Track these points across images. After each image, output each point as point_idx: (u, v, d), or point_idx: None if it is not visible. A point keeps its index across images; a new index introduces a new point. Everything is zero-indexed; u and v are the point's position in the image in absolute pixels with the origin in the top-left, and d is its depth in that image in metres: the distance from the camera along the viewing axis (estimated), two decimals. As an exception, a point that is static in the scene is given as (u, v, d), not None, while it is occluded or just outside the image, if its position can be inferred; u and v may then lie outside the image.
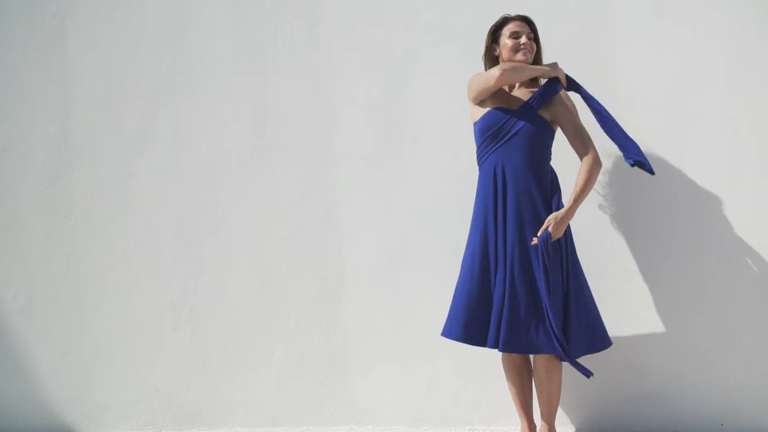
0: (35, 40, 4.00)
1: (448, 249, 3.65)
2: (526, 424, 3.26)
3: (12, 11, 4.01)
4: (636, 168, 3.17)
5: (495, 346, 3.07)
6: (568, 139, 3.16)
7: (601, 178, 3.45)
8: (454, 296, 3.20)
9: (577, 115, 3.15)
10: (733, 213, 3.43)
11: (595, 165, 3.08)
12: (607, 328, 3.19)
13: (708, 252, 3.45)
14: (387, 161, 3.74)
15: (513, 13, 3.24)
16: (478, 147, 3.20)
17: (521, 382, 3.24)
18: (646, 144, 3.47)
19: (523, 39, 3.14)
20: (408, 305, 3.72)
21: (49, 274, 3.96)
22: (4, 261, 3.99)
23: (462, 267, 3.21)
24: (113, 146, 3.94)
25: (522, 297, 3.03)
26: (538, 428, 3.26)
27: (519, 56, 3.14)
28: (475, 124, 3.21)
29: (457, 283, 3.21)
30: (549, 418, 3.18)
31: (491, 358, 3.44)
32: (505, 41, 3.16)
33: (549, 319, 2.98)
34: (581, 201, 3.07)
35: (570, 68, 3.24)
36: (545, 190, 3.12)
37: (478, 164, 3.22)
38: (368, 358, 3.75)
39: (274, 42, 3.84)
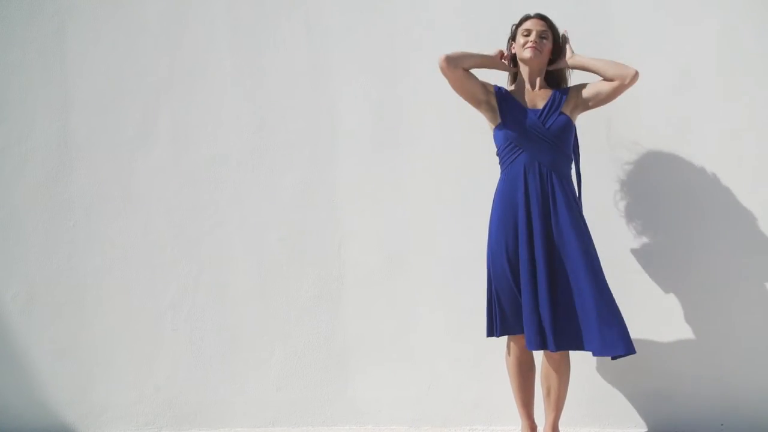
0: (35, 40, 3.99)
1: (447, 249, 3.65)
2: (527, 423, 3.25)
3: (12, 11, 4.01)
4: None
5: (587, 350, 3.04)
6: (607, 91, 3.11)
7: (602, 179, 3.46)
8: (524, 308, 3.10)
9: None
10: (732, 213, 3.42)
11: (632, 72, 3.07)
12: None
13: (708, 252, 3.45)
14: (387, 161, 3.74)
15: (516, 16, 3.22)
16: (503, 149, 3.14)
17: (525, 380, 3.22)
18: (646, 144, 3.48)
19: (533, 36, 3.12)
20: (407, 305, 3.71)
21: (49, 274, 3.96)
22: (4, 261, 3.99)
23: (519, 275, 3.09)
24: (113, 146, 3.94)
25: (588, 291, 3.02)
26: (538, 428, 3.26)
27: (526, 53, 3.13)
28: (497, 127, 3.15)
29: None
30: (554, 419, 3.17)
31: (491, 358, 3.44)
32: (519, 38, 3.16)
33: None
34: (590, 65, 3.11)
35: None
36: (571, 184, 3.14)
37: (501, 166, 3.17)
38: (368, 358, 3.75)
39: (274, 42, 3.83)
